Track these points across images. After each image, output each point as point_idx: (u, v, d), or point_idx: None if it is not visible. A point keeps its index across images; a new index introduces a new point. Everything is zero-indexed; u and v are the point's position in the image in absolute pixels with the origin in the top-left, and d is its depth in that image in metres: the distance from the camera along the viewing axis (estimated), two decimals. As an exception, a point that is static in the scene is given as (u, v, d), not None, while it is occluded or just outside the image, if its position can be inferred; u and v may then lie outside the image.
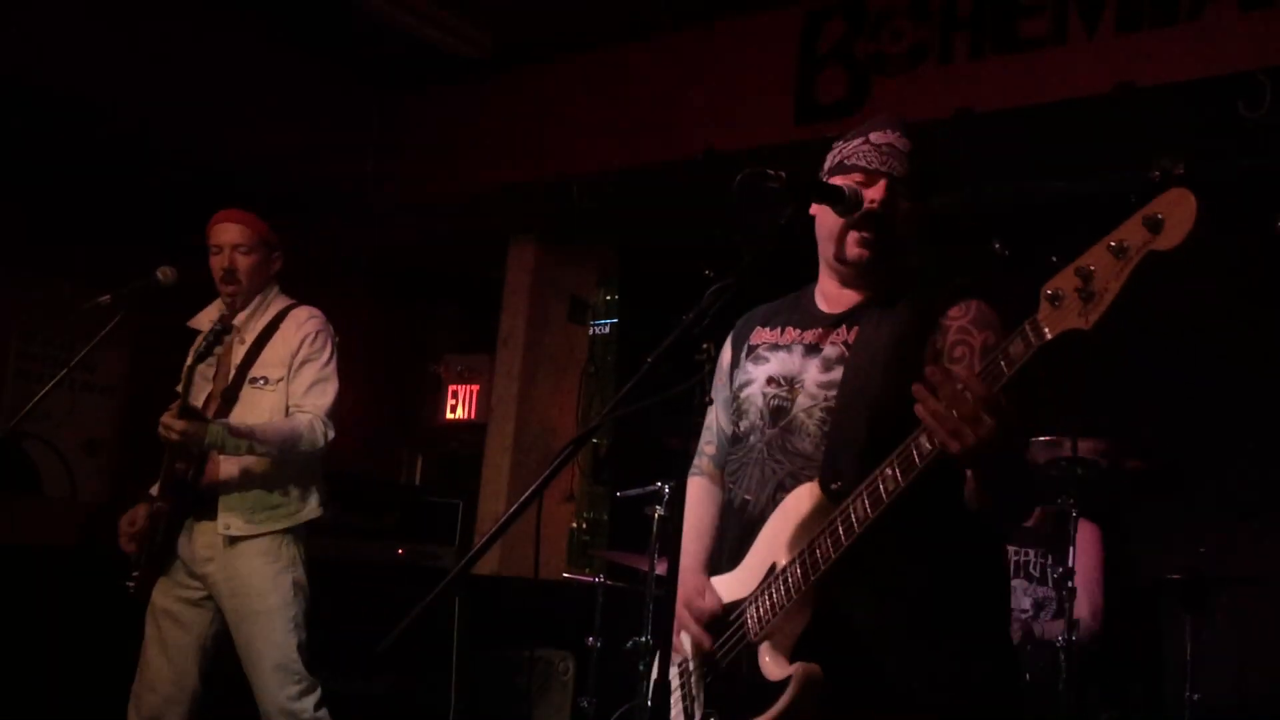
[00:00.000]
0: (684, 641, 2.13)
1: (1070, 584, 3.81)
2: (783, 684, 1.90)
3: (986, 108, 4.34)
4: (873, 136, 2.12)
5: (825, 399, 2.06)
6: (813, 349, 2.13)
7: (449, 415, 7.24)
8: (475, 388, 7.09)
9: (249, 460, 3.44)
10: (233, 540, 3.44)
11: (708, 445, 2.37)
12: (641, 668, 4.35)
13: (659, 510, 4.38)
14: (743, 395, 2.21)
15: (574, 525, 6.51)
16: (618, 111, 5.46)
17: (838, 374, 2.07)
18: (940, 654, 1.94)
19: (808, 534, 1.92)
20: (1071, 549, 3.87)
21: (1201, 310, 4.55)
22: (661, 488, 4.43)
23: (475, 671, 4.94)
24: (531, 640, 5.19)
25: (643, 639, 4.36)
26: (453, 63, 5.80)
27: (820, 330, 2.15)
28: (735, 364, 2.28)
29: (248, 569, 3.43)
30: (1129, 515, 4.48)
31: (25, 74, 5.00)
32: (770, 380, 2.15)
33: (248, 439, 3.35)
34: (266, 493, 3.48)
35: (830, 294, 2.20)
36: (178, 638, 3.48)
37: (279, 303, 3.68)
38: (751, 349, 2.25)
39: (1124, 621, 4.30)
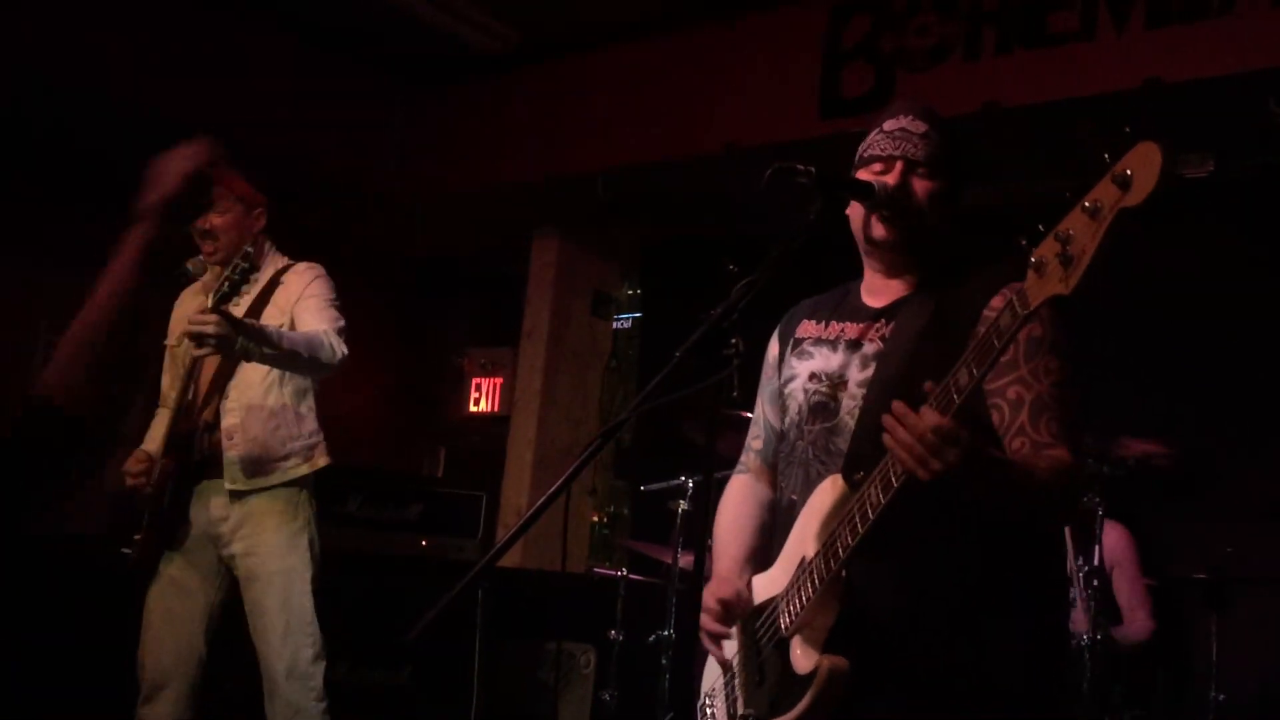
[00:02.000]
0: (720, 651, 2.15)
1: (1095, 583, 3.80)
2: (811, 676, 1.90)
3: (1014, 103, 4.32)
4: (886, 125, 2.13)
5: (864, 398, 2.05)
6: (854, 345, 2.13)
7: (472, 408, 7.26)
8: (498, 381, 7.11)
9: (256, 410, 3.36)
10: (241, 495, 3.35)
11: (754, 440, 2.37)
12: (663, 661, 4.36)
13: (682, 504, 4.39)
14: (787, 390, 2.21)
15: (595, 519, 6.52)
16: (641, 106, 5.46)
17: (873, 370, 2.07)
18: (974, 644, 1.93)
19: (833, 524, 1.93)
20: (1097, 548, 3.86)
21: (1228, 308, 4.52)
22: (685, 482, 4.43)
23: (497, 663, 4.96)
24: (553, 633, 5.20)
25: (665, 632, 4.37)
26: (477, 57, 5.81)
27: (862, 325, 2.14)
28: (781, 358, 2.28)
29: (264, 527, 3.36)
30: (1155, 514, 4.46)
31: (55, 69, 5.04)
32: (812, 376, 2.15)
33: (274, 338, 3.22)
34: (277, 444, 3.41)
35: (874, 286, 2.19)
36: (184, 606, 3.41)
37: (277, 261, 3.63)
38: (797, 343, 2.24)
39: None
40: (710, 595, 2.13)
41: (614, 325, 6.72)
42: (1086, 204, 1.55)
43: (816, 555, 1.94)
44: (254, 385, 3.43)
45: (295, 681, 3.31)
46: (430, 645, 4.47)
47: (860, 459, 1.95)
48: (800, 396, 2.16)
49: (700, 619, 2.13)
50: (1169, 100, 4.07)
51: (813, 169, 1.98)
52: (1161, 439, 3.98)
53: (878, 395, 2.01)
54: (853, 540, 1.86)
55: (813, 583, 1.93)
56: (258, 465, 3.38)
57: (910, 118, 2.12)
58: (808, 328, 2.24)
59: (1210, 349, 4.53)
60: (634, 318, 6.80)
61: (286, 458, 3.44)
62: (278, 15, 5.62)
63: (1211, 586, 3.95)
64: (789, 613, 1.98)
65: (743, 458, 2.39)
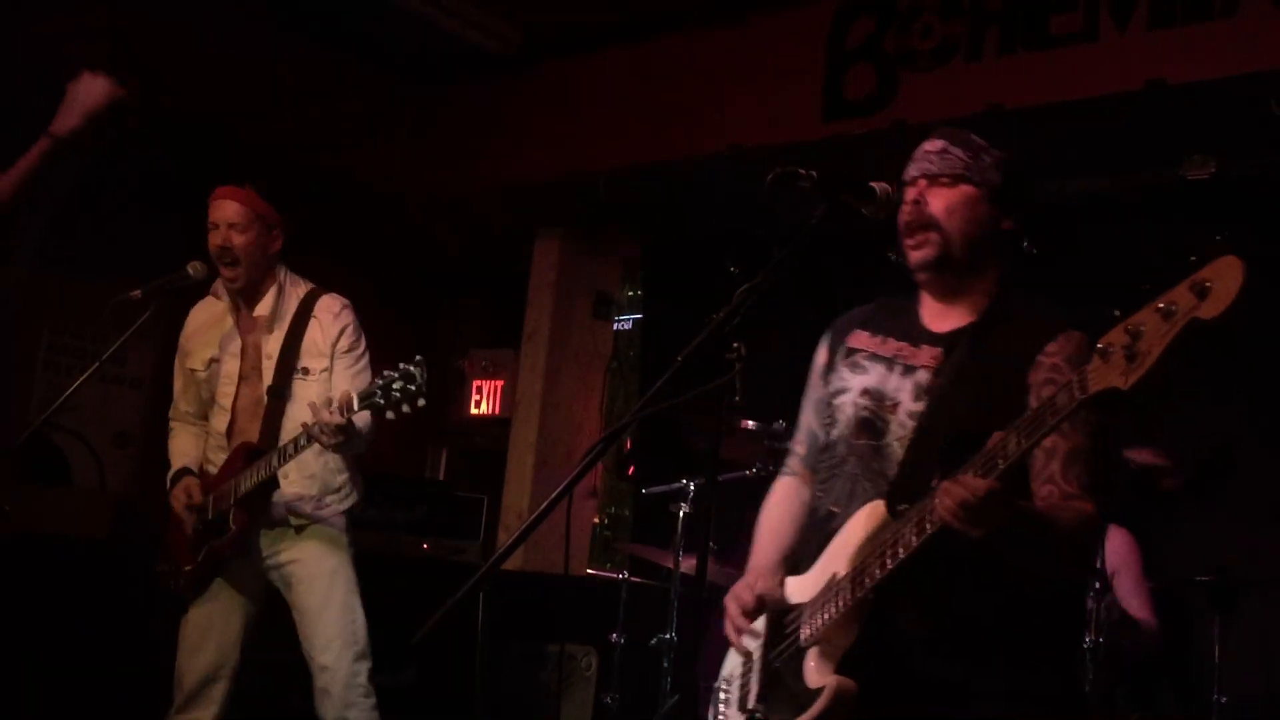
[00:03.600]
0: (742, 645, 2.18)
1: (1098, 585, 3.79)
2: (819, 692, 1.94)
3: (1016, 104, 4.31)
4: (916, 152, 2.18)
5: (914, 429, 2.08)
6: (910, 370, 2.14)
7: (473, 410, 7.25)
8: (500, 383, 7.11)
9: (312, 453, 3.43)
10: (300, 528, 3.45)
11: (799, 445, 2.38)
12: (665, 664, 4.36)
13: (684, 507, 4.38)
14: (835, 402, 2.21)
15: (597, 521, 6.51)
16: (644, 107, 5.46)
17: (925, 404, 2.09)
18: (987, 680, 1.97)
19: (867, 550, 1.96)
20: (1100, 551, 3.85)
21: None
22: (686, 485, 4.43)
23: (499, 666, 4.96)
24: (555, 635, 5.19)
25: (666, 635, 4.37)
26: (480, 58, 5.81)
27: (920, 349, 2.15)
28: (831, 367, 2.28)
29: (319, 551, 3.45)
30: (1158, 517, 4.45)
31: (55, 70, 5.04)
32: (865, 392, 2.16)
33: (368, 437, 3.35)
34: (329, 477, 3.49)
35: (933, 309, 2.21)
36: (223, 620, 3.49)
37: (299, 287, 3.64)
38: (850, 353, 2.24)
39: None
40: (745, 588, 2.18)
41: (615, 327, 6.72)
42: (1160, 305, 1.56)
43: (846, 576, 1.98)
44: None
45: (343, 678, 3.38)
46: (433, 648, 4.47)
47: (904, 492, 1.98)
48: (850, 410, 2.17)
49: (728, 608, 2.18)
50: (1171, 102, 4.07)
51: (815, 173, 1.98)
52: (1164, 449, 3.97)
53: (927, 431, 2.04)
54: (880, 574, 1.91)
55: (838, 603, 1.97)
56: (318, 499, 3.48)
57: (931, 139, 2.18)
58: (861, 338, 2.24)
59: (1215, 351, 4.52)
60: (635, 319, 6.81)
61: (338, 490, 3.53)
62: (279, 14, 5.62)
63: (1215, 588, 3.94)
64: (811, 624, 2.02)
65: (788, 461, 2.41)
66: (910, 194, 2.13)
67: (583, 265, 6.50)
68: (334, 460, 3.49)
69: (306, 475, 3.45)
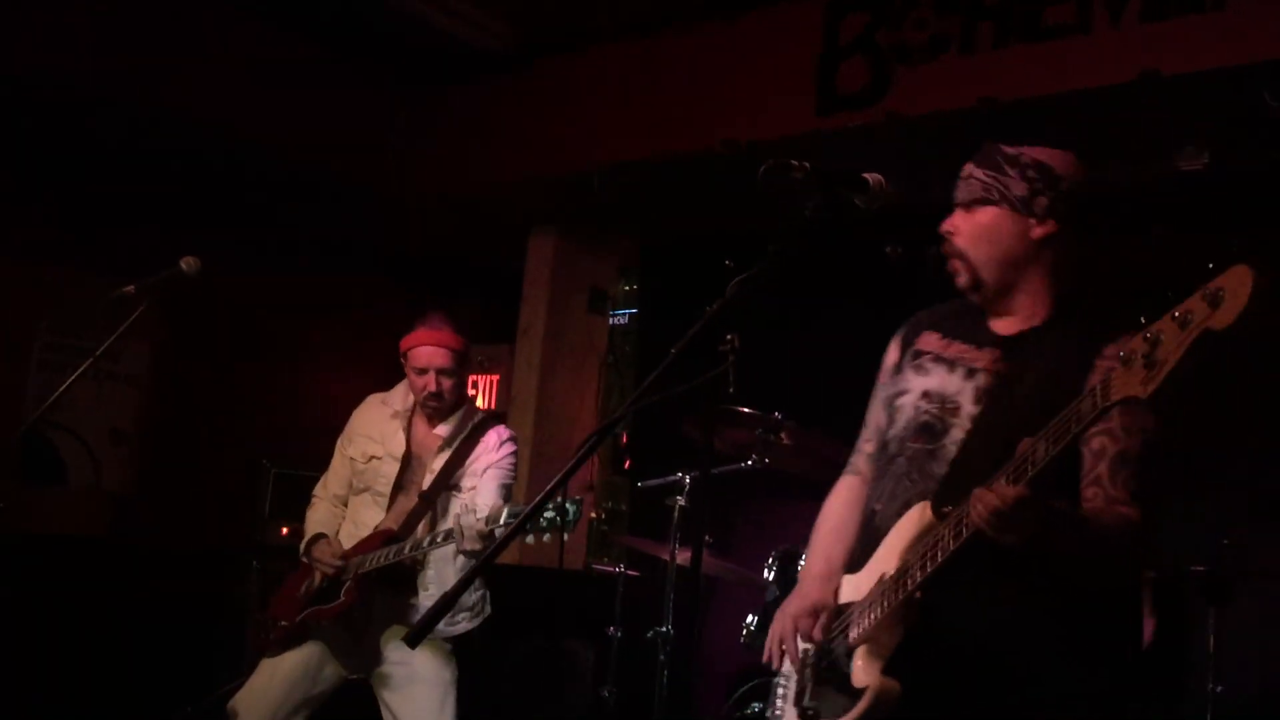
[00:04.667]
0: (796, 656, 2.19)
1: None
2: (863, 691, 1.96)
3: (1010, 97, 4.31)
4: (961, 174, 2.21)
5: (968, 432, 2.09)
6: (972, 373, 2.14)
7: (469, 405, 7.24)
8: (495, 378, 7.11)
9: (448, 561, 3.47)
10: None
11: (866, 444, 2.37)
12: (662, 658, 4.36)
13: (680, 500, 4.38)
14: (898, 403, 2.22)
15: (593, 515, 6.52)
16: (638, 103, 5.46)
17: (983, 408, 2.09)
18: (1035, 684, 1.97)
19: (913, 551, 1.98)
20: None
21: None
22: (682, 478, 4.43)
23: (496, 660, 4.96)
24: (552, 630, 5.20)
25: (663, 629, 4.37)
26: (474, 55, 5.81)
27: (983, 352, 2.16)
28: (899, 368, 2.28)
29: (432, 663, 3.47)
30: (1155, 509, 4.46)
31: (52, 68, 5.03)
32: (925, 394, 2.17)
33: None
34: (466, 594, 3.55)
35: (997, 312, 2.21)
36: (301, 680, 3.48)
37: (475, 413, 3.74)
38: (917, 354, 2.25)
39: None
40: (789, 615, 2.18)
41: (611, 322, 6.72)
42: (1176, 314, 1.58)
43: (892, 577, 2.00)
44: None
45: None
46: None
47: (953, 494, 1.98)
48: (910, 412, 2.17)
49: (784, 627, 2.18)
50: (1165, 94, 4.07)
51: (808, 164, 1.98)
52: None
53: (983, 434, 2.05)
54: (920, 576, 1.93)
55: (884, 603, 1.99)
56: (452, 615, 3.50)
57: (970, 165, 2.21)
58: (929, 340, 2.25)
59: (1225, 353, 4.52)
60: (631, 314, 6.81)
61: (471, 607, 3.59)
62: (276, 13, 5.61)
63: (1210, 580, 3.95)
64: (860, 624, 2.04)
65: (853, 458, 2.40)
66: (944, 224, 2.17)
67: (578, 261, 6.50)
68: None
69: (444, 587, 3.47)
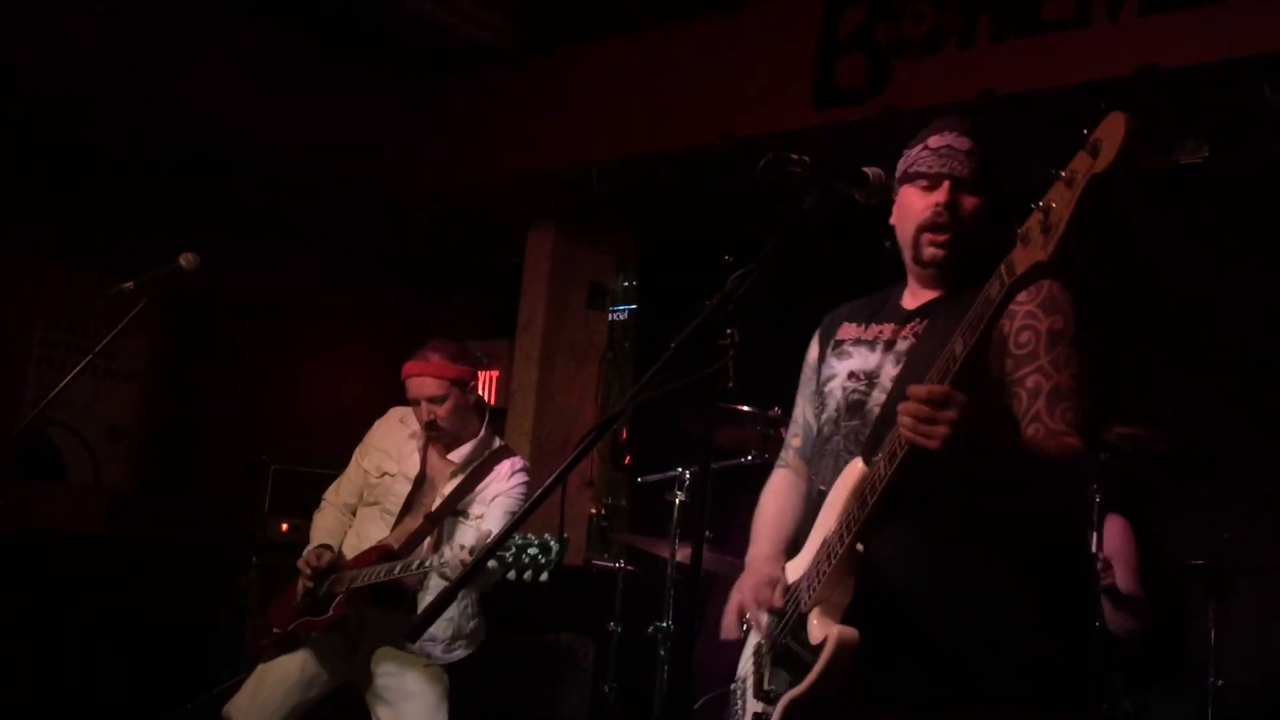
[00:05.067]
0: (760, 622, 2.18)
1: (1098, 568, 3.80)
2: (823, 646, 1.94)
3: (1008, 90, 4.31)
4: (931, 141, 2.16)
5: (890, 390, 2.09)
6: (890, 344, 2.17)
7: (469, 401, 7.23)
8: (495, 374, 7.10)
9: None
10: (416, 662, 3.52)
11: (794, 439, 2.40)
12: (662, 653, 4.36)
13: (679, 496, 4.38)
14: (825, 389, 2.25)
15: (593, 511, 6.52)
16: (637, 97, 5.45)
17: (904, 365, 2.11)
18: (988, 617, 1.97)
19: (851, 501, 1.97)
20: (1096, 535, 3.86)
21: (1224, 295, 4.52)
22: (681, 473, 4.43)
23: (496, 657, 4.96)
24: (552, 626, 5.20)
25: (663, 624, 4.37)
26: (473, 50, 5.80)
27: (898, 326, 2.18)
28: (821, 358, 2.31)
29: (425, 680, 3.50)
30: (1154, 502, 4.46)
31: (53, 68, 5.02)
32: (851, 375, 2.19)
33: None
34: (463, 622, 3.59)
35: (914, 291, 2.23)
36: (298, 687, 3.52)
37: (491, 440, 3.75)
38: (837, 344, 2.28)
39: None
40: (754, 581, 2.18)
41: (610, 317, 6.71)
42: (1064, 174, 1.60)
43: (834, 532, 1.98)
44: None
45: None
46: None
47: (881, 442, 1.99)
48: (839, 394, 2.19)
49: (736, 599, 2.18)
50: (1163, 87, 4.06)
51: (807, 158, 1.98)
52: (1150, 424, 3.98)
53: (902, 389, 2.03)
54: (860, 514, 1.91)
55: (830, 559, 1.97)
56: (443, 644, 3.53)
57: (955, 134, 2.16)
58: (848, 330, 2.28)
59: (1207, 336, 4.52)
60: (630, 309, 6.80)
61: (468, 635, 3.61)
62: (275, 12, 5.60)
63: (1210, 573, 3.95)
64: (810, 589, 2.02)
65: (783, 454, 2.42)
66: (938, 196, 2.11)
67: (577, 256, 6.50)
68: (472, 604, 3.60)
69: (444, 618, 3.50)
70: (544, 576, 3.02)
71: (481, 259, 7.24)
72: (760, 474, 2.39)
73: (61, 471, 5.86)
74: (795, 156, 1.98)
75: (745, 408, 4.12)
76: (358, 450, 3.82)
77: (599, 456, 6.44)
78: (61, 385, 3.45)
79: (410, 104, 6.26)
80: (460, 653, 3.59)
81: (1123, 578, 4.11)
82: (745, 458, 4.35)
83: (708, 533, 4.60)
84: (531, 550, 3.02)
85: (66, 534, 5.03)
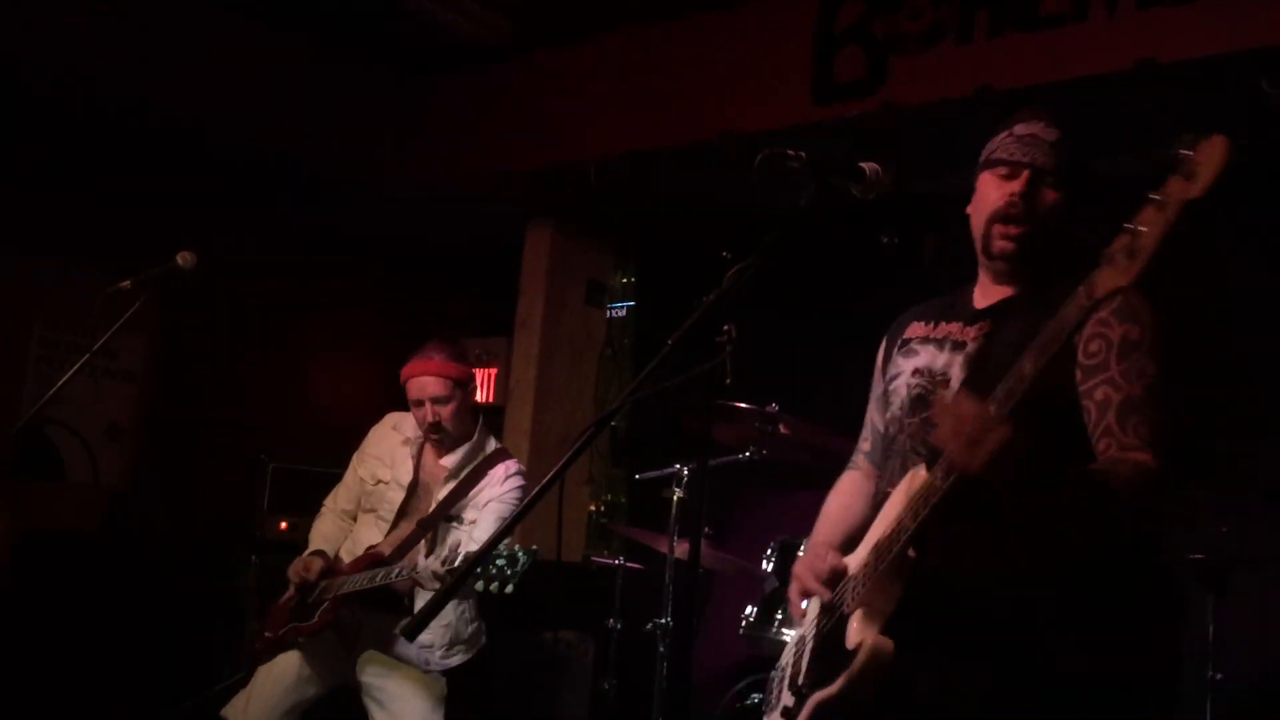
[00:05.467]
0: (808, 608, 2.15)
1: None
2: (856, 653, 1.91)
3: (1006, 85, 4.30)
4: (1017, 129, 2.11)
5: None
6: (959, 345, 2.12)
7: (467, 398, 7.23)
8: (493, 371, 7.09)
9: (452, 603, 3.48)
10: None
11: (864, 442, 2.37)
12: (661, 649, 4.36)
13: (678, 492, 4.38)
14: (891, 387, 2.21)
15: (592, 508, 6.51)
16: (634, 94, 5.44)
17: (971, 371, 2.05)
18: (1040, 634, 1.88)
19: (907, 510, 1.91)
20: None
21: (1224, 290, 4.51)
22: (680, 469, 4.42)
23: (495, 654, 4.96)
24: (551, 622, 5.20)
25: (662, 620, 4.37)
26: (470, 47, 5.79)
27: (966, 325, 2.13)
28: (888, 359, 2.28)
29: (419, 684, 3.49)
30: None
31: (47, 60, 5.01)
32: (915, 371, 2.15)
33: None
34: (461, 627, 3.58)
35: (986, 289, 2.18)
36: (296, 685, 3.51)
37: (486, 442, 3.73)
38: (904, 343, 2.24)
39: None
40: (804, 567, 2.11)
41: (608, 314, 6.71)
42: (1155, 197, 1.54)
43: (886, 537, 1.93)
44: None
45: None
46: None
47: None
48: (903, 391, 2.16)
49: (803, 579, 2.11)
50: (1162, 81, 4.06)
51: (804, 154, 1.97)
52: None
53: (969, 392, 1.97)
54: (911, 523, 1.84)
55: (878, 564, 1.92)
56: (441, 650, 3.53)
57: (1041, 124, 2.11)
58: (916, 329, 2.24)
59: (1206, 330, 4.52)
60: (628, 306, 6.79)
61: (466, 640, 3.60)
62: (274, 10, 5.59)
63: (1208, 566, 3.95)
64: (857, 591, 1.98)
65: (853, 457, 2.39)
66: (1015, 185, 2.05)
67: (575, 253, 6.49)
68: (470, 609, 3.59)
69: (442, 624, 3.50)
70: (509, 589, 2.99)
71: (479, 255, 7.24)
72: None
73: (60, 470, 5.85)
74: (792, 152, 1.97)
75: (743, 404, 4.12)
76: (355, 457, 3.82)
77: (597, 453, 6.44)
78: (60, 384, 3.45)
79: (408, 101, 6.25)
80: (459, 658, 3.59)
81: None
82: (743, 454, 4.35)
83: (706, 529, 4.62)
84: (499, 561, 3.00)
85: (65, 533, 5.02)
